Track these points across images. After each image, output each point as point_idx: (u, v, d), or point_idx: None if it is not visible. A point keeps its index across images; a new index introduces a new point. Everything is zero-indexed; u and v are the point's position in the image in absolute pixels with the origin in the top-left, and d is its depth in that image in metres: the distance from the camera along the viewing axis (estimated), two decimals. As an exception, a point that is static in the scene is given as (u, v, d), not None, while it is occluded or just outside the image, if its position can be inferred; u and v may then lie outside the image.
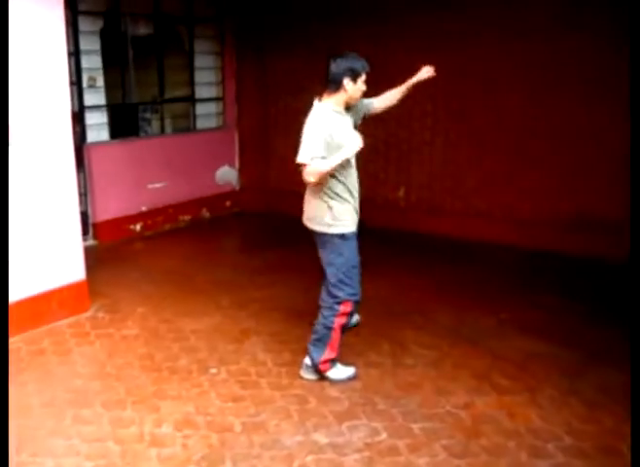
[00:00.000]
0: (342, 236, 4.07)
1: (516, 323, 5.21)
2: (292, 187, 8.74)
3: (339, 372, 4.29)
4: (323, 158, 3.80)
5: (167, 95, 7.97)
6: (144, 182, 7.76)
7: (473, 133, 7.37)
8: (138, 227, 7.70)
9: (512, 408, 3.95)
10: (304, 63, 8.30)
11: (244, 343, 4.80)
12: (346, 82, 3.95)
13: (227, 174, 8.96)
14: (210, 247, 7.56)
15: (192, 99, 8.33)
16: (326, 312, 4.15)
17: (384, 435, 3.65)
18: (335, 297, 4.10)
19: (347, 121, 4.11)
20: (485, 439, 3.62)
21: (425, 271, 6.47)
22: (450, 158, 7.59)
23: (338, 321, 4.13)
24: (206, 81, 8.51)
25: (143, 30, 7.61)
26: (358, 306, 4.33)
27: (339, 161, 3.81)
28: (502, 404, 4.00)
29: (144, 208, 7.78)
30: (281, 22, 8.37)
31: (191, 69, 8.24)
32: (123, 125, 7.46)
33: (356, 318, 4.77)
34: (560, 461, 3.44)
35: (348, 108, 4.14)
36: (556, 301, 5.68)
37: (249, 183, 9.09)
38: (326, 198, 4.04)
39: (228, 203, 8.98)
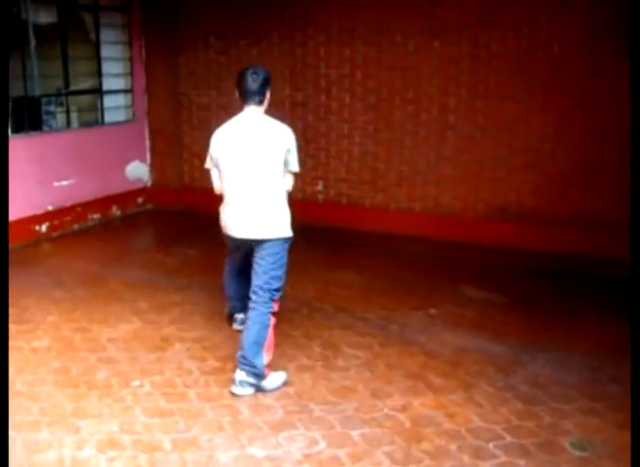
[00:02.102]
0: (289, 239, 4.17)
1: (446, 318, 5.17)
2: (205, 183, 8.48)
3: (274, 379, 4.08)
4: None
5: (73, 87, 7.50)
6: (49, 180, 7.28)
7: (391, 126, 7.30)
8: (44, 227, 7.23)
9: (449, 407, 3.87)
10: (219, 54, 8.03)
11: (167, 351, 4.52)
12: (268, 93, 4.19)
13: (137, 170, 8.56)
14: (123, 247, 7.20)
15: (99, 91, 7.89)
16: (264, 311, 4.03)
17: (323, 444, 3.48)
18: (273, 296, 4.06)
19: None
20: (427, 442, 3.52)
21: (349, 268, 6.34)
22: (369, 150, 7.49)
23: (274, 320, 4.07)
24: (114, 72, 8.09)
25: (45, 18, 7.12)
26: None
27: None
28: (439, 404, 3.91)
29: (50, 208, 7.30)
30: (193, 12, 8.04)
31: (97, 59, 7.79)
32: (25, 118, 6.94)
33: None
34: (503, 461, 3.38)
35: None
36: (482, 293, 5.68)
37: (161, 179, 8.72)
38: (285, 205, 4.18)
39: (139, 200, 8.59)
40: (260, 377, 3.98)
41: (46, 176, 7.21)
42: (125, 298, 5.49)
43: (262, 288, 4.04)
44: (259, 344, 3.98)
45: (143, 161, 8.63)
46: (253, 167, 4.05)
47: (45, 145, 7.21)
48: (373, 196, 7.55)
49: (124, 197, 8.32)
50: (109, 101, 8.06)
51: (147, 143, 8.63)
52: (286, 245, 4.16)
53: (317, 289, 5.76)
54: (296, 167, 4.18)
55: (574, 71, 6.43)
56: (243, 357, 3.97)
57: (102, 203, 7.99)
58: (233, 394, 3.97)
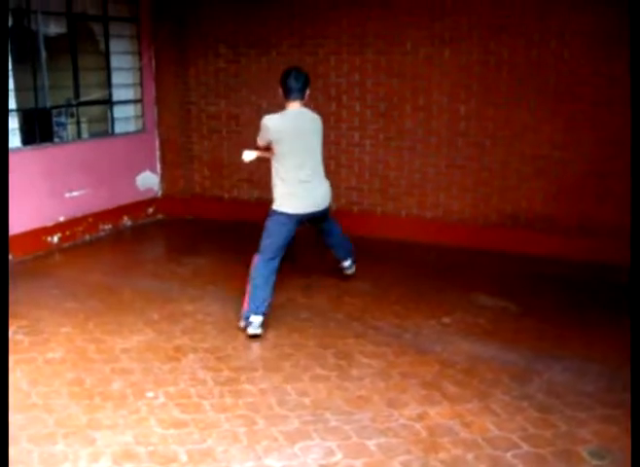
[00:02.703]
0: None
1: (459, 326, 5.15)
2: (216, 192, 8.54)
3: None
4: None
5: (83, 98, 7.53)
6: (61, 191, 7.31)
7: (402, 134, 7.29)
8: (56, 238, 7.25)
9: (465, 416, 3.84)
10: (229, 63, 8.05)
11: (181, 362, 4.51)
12: (308, 91, 5.25)
13: (148, 180, 8.58)
14: (135, 257, 7.20)
15: (109, 102, 7.93)
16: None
17: (340, 455, 3.46)
18: None
19: None
20: (443, 452, 3.49)
21: (361, 276, 6.30)
22: (380, 158, 7.48)
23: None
24: (124, 82, 8.12)
25: (55, 29, 7.16)
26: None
27: None
28: (455, 413, 3.88)
29: (62, 218, 7.32)
30: (203, 21, 8.07)
31: (107, 70, 7.82)
32: (35, 130, 6.98)
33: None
34: (521, 471, 3.35)
35: None
36: (495, 301, 5.66)
37: (172, 188, 8.74)
38: None
39: (150, 210, 8.61)
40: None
41: (57, 187, 7.23)
42: (138, 308, 5.48)
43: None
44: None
45: (153, 171, 8.65)
46: (314, 147, 5.22)
47: (56, 156, 7.23)
48: (385, 204, 7.54)
49: (134, 208, 8.34)
50: (119, 112, 8.09)
51: (157, 153, 8.65)
52: None
53: (330, 298, 5.74)
54: None
55: (584, 77, 6.42)
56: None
57: (113, 214, 8.01)
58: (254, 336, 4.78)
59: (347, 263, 6.09)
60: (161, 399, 4.00)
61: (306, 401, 4.00)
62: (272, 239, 5.05)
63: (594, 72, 6.37)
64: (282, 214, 5.07)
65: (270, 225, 5.10)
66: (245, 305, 4.94)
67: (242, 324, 4.96)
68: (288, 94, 5.10)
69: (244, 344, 4.77)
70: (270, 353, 4.64)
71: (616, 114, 6.33)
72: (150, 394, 4.05)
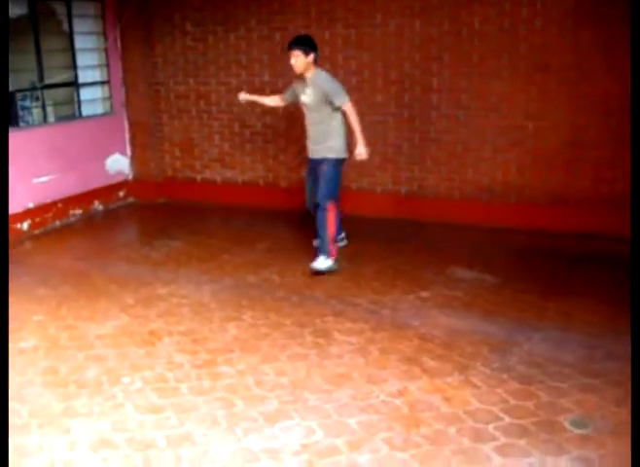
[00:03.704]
0: None
1: (437, 300, 5.12)
2: (187, 174, 8.40)
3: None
4: None
5: (48, 81, 7.33)
6: (28, 176, 7.13)
7: (374, 108, 7.20)
8: (25, 225, 7.09)
9: (446, 390, 3.82)
10: (196, 41, 7.89)
11: (156, 346, 4.43)
12: None
13: (118, 163, 8.42)
14: (107, 242, 7.08)
15: (75, 84, 7.72)
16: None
17: (320, 434, 3.42)
18: None
19: (302, 89, 5.83)
20: (425, 427, 3.47)
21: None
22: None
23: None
24: (90, 64, 7.92)
25: (15, 10, 6.93)
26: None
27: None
28: (436, 387, 3.86)
29: (31, 205, 7.16)
30: (169, 0, 7.87)
31: (72, 51, 7.61)
32: None
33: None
34: (504, 442, 3.33)
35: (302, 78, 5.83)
36: (473, 274, 5.64)
37: (142, 171, 8.58)
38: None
39: (121, 194, 8.46)
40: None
41: (24, 173, 7.06)
42: (112, 293, 5.38)
43: None
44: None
45: (123, 153, 8.48)
46: None
47: (22, 141, 7.05)
48: (359, 179, 7.46)
49: (105, 192, 8.19)
50: (86, 94, 7.90)
51: (126, 135, 8.48)
52: None
53: (306, 276, 5.68)
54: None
55: (557, 46, 6.37)
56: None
57: (83, 198, 7.86)
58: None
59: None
60: (138, 384, 3.92)
61: (285, 380, 3.95)
62: (339, 184, 5.89)
63: (567, 40, 6.32)
64: (344, 160, 5.85)
65: (338, 172, 5.81)
66: (331, 245, 5.73)
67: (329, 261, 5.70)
68: (317, 58, 5.71)
69: (220, 326, 4.69)
70: (247, 334, 4.57)
71: (589, 82, 6.30)
72: (126, 380, 3.98)
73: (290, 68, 7.33)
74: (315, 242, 6.07)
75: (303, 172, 6.28)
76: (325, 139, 5.73)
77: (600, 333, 4.52)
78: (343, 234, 6.37)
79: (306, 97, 5.75)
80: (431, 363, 4.14)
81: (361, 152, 5.64)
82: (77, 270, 5.97)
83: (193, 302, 5.16)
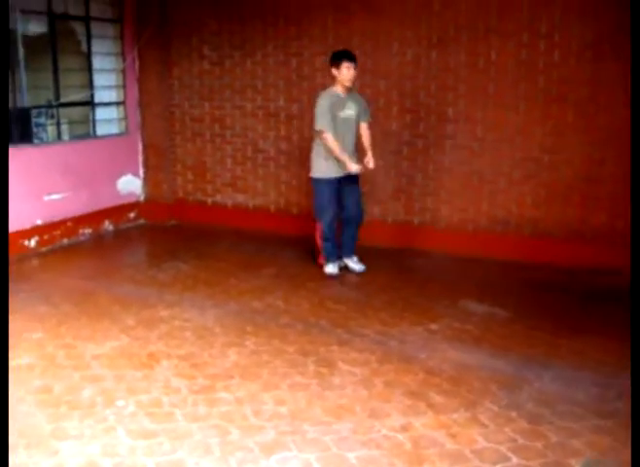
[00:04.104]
0: None
1: (447, 333, 4.97)
2: (199, 197, 8.35)
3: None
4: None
5: (64, 99, 7.34)
6: (39, 193, 7.10)
7: (388, 137, 7.13)
8: (33, 242, 7.04)
9: (452, 427, 3.66)
10: (213, 65, 7.89)
11: (154, 369, 4.31)
12: (333, 70, 5.95)
13: (130, 184, 8.39)
14: (114, 262, 7.01)
15: (91, 103, 7.74)
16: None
17: (318, 467, 3.27)
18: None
19: (346, 101, 6.05)
20: (428, 465, 3.31)
21: (345, 282, 6.19)
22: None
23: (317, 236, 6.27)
24: (106, 84, 7.94)
25: (35, 28, 6.98)
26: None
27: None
28: (441, 424, 3.70)
29: (39, 222, 7.12)
30: (187, 22, 7.91)
31: (89, 71, 7.64)
32: (13, 130, 6.77)
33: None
34: (509, 485, 3.16)
35: (350, 92, 6.11)
36: (484, 307, 5.49)
37: (154, 193, 8.54)
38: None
39: (132, 215, 8.41)
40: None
41: (35, 189, 7.03)
42: (114, 314, 5.28)
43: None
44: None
45: (136, 174, 8.46)
46: None
47: (35, 158, 7.04)
48: (371, 209, 7.35)
49: (116, 212, 8.15)
50: (101, 114, 7.91)
51: (140, 156, 8.47)
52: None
53: (313, 304, 5.56)
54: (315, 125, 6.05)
55: (574, 80, 6.29)
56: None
57: (94, 218, 7.81)
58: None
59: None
60: (132, 408, 3.80)
61: (284, 410, 3.80)
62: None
63: (585, 73, 6.24)
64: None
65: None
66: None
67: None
68: None
69: (221, 351, 4.57)
70: (248, 360, 4.44)
71: (606, 117, 6.21)
72: (120, 403, 3.85)
73: (305, 93, 7.42)
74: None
75: (330, 192, 6.29)
76: (355, 151, 6.25)
77: (613, 372, 4.35)
78: (356, 258, 6.46)
79: (351, 111, 6.09)
80: (437, 398, 3.99)
81: (369, 161, 6.17)
82: (81, 289, 5.88)
83: (195, 325, 5.04)
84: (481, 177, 6.82)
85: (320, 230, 6.27)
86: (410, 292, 5.89)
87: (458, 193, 6.96)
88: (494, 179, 6.77)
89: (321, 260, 6.38)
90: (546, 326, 5.12)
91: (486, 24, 6.51)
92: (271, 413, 3.76)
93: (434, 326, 5.10)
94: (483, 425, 3.68)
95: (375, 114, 7.06)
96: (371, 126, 6.45)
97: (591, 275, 6.26)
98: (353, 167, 6.01)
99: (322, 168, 6.12)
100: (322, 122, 5.94)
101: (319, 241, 6.33)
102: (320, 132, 5.99)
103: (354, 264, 6.42)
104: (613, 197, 6.29)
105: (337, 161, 6.03)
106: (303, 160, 7.56)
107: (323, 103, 5.96)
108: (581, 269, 6.37)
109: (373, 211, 7.34)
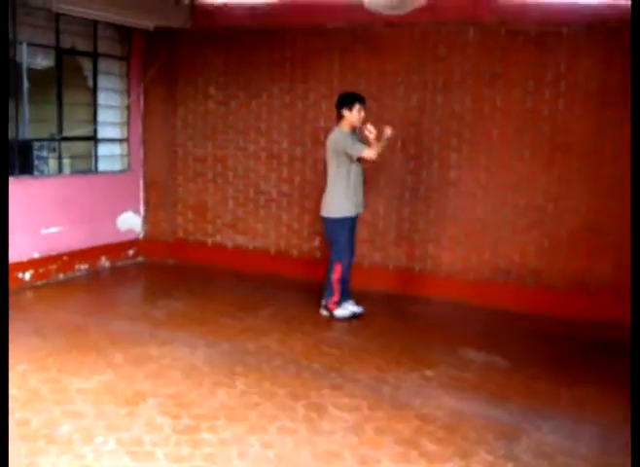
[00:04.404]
0: None
1: (443, 380, 4.82)
2: (199, 237, 8.28)
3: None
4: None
5: (67, 133, 7.34)
6: (37, 226, 7.04)
7: (391, 182, 7.09)
8: (28, 275, 6.94)
9: (444, 478, 3.49)
10: (218, 105, 7.90)
11: (139, 406, 4.16)
12: (345, 111, 5.98)
13: (130, 221, 8.33)
14: (109, 299, 6.90)
15: (94, 139, 7.74)
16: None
17: (301, 515, 3.10)
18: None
19: (355, 139, 6.01)
20: (417, 516, 3.14)
21: (341, 326, 6.06)
22: (368, 207, 7.23)
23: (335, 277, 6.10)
24: (111, 120, 7.96)
25: (42, 62, 7.02)
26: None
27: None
28: (433, 473, 3.53)
29: (36, 255, 7.03)
30: (194, 61, 7.96)
31: (94, 106, 7.67)
32: (15, 162, 6.75)
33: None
34: None
35: (354, 131, 6.07)
36: (483, 356, 5.34)
37: (154, 231, 8.48)
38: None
39: (130, 252, 8.33)
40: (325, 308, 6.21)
41: (32, 222, 6.98)
42: (103, 349, 5.15)
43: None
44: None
45: (136, 212, 8.41)
46: (328, 162, 6.14)
47: (34, 190, 7.01)
48: (371, 255, 7.26)
49: (114, 249, 8.07)
50: (104, 150, 7.91)
51: (141, 194, 8.43)
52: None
53: (307, 346, 5.42)
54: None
55: (580, 127, 6.27)
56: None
57: (91, 253, 7.73)
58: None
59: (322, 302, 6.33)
60: (111, 445, 3.65)
61: (270, 454, 3.64)
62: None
63: (590, 122, 6.22)
64: None
65: None
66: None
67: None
68: None
69: (209, 391, 4.42)
70: (236, 401, 4.29)
71: (612, 165, 6.16)
72: (99, 439, 3.70)
73: (309, 136, 7.42)
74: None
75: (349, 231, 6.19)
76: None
77: (615, 424, 4.19)
78: (352, 301, 6.33)
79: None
80: (430, 446, 3.82)
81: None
82: (73, 324, 5.76)
83: (184, 365, 4.90)
84: (484, 225, 6.74)
85: (339, 272, 6.09)
86: (408, 338, 5.75)
87: (460, 240, 6.87)
88: (497, 227, 6.69)
89: (333, 304, 6.16)
90: (545, 376, 4.98)
91: (492, 70, 6.51)
92: (257, 457, 3.61)
93: (430, 373, 4.95)
94: (478, 476, 3.51)
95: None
96: (372, 171, 6.44)
97: (593, 328, 6.13)
98: (388, 130, 5.89)
99: (342, 208, 6.03)
100: (357, 148, 5.87)
101: (336, 284, 6.10)
102: (359, 156, 5.91)
103: (353, 306, 6.28)
104: (617, 248, 6.19)
105: (380, 148, 5.86)
106: (305, 202, 7.54)
107: (346, 137, 5.93)
108: (582, 320, 6.25)
109: (374, 256, 7.24)
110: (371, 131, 5.82)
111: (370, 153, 5.79)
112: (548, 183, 6.44)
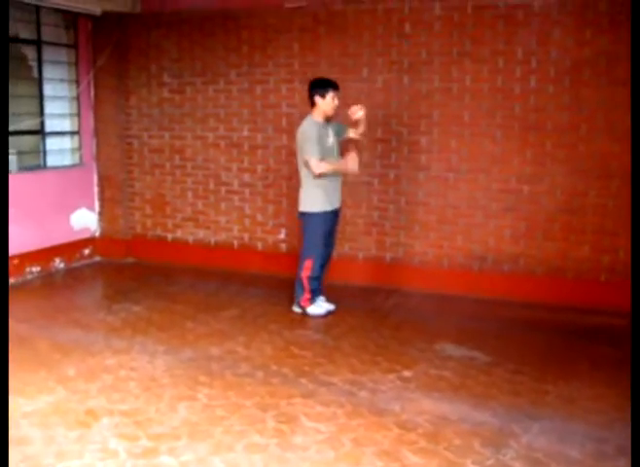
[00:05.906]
0: None
1: (422, 381, 4.50)
2: (158, 232, 7.86)
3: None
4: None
5: (12, 128, 6.84)
6: (-19, 229, 6.56)
7: (359, 169, 6.72)
8: (-27, 281, 6.47)
9: (430, 494, 3.18)
10: (173, 93, 7.46)
11: (91, 428, 3.77)
12: (317, 98, 5.59)
13: (84, 218, 7.87)
14: (62, 304, 6.43)
15: (41, 132, 7.25)
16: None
17: None
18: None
19: (327, 130, 5.66)
20: None
21: (312, 324, 5.71)
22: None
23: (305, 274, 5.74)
24: (59, 112, 7.47)
25: (-22, 51, 6.51)
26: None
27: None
28: (417, 490, 3.22)
29: (-19, 259, 6.56)
30: (146, 48, 7.50)
31: (40, 98, 7.17)
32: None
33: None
34: None
35: (329, 120, 5.70)
36: (462, 351, 5.05)
37: (111, 228, 8.02)
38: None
39: (86, 252, 7.88)
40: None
41: (-24, 225, 6.49)
42: (52, 363, 4.73)
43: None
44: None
45: (91, 208, 7.95)
46: (298, 155, 5.73)
47: (-24, 190, 6.51)
48: (341, 245, 6.91)
49: (68, 249, 7.60)
50: (53, 144, 7.43)
51: (95, 189, 7.97)
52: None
53: (276, 349, 5.06)
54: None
55: (554, 106, 5.99)
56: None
57: (43, 255, 7.26)
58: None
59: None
60: (59, 477, 3.26)
61: (238, 477, 3.29)
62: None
63: (564, 100, 5.95)
64: None
65: None
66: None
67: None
68: None
69: (169, 406, 4.04)
70: (199, 416, 3.91)
71: (588, 144, 5.90)
72: (46, 471, 3.31)
73: (270, 122, 7.04)
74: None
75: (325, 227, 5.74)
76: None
77: (608, 422, 3.92)
78: (323, 298, 6.00)
79: (332, 139, 5.73)
80: (413, 458, 3.50)
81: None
82: (19, 335, 5.31)
83: (142, 376, 4.51)
84: (457, 210, 6.44)
85: (309, 268, 5.72)
86: (383, 334, 5.43)
87: (433, 227, 6.57)
88: (471, 212, 6.39)
89: (305, 301, 5.83)
90: (530, 370, 4.69)
91: (460, 48, 6.18)
92: (222, 481, 3.25)
93: (408, 373, 4.63)
94: (466, 492, 3.20)
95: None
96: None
97: (574, 313, 5.91)
98: (356, 110, 5.65)
99: (319, 201, 5.63)
100: (313, 151, 5.49)
101: (306, 281, 5.75)
102: (310, 161, 5.51)
103: (327, 304, 5.94)
104: (597, 229, 5.94)
105: (338, 173, 5.70)
106: (268, 192, 7.17)
107: (313, 134, 5.52)
108: (563, 306, 6.02)
109: (342, 246, 6.89)
110: (353, 113, 5.65)
111: (319, 168, 5.48)
112: (521, 165, 6.17)
